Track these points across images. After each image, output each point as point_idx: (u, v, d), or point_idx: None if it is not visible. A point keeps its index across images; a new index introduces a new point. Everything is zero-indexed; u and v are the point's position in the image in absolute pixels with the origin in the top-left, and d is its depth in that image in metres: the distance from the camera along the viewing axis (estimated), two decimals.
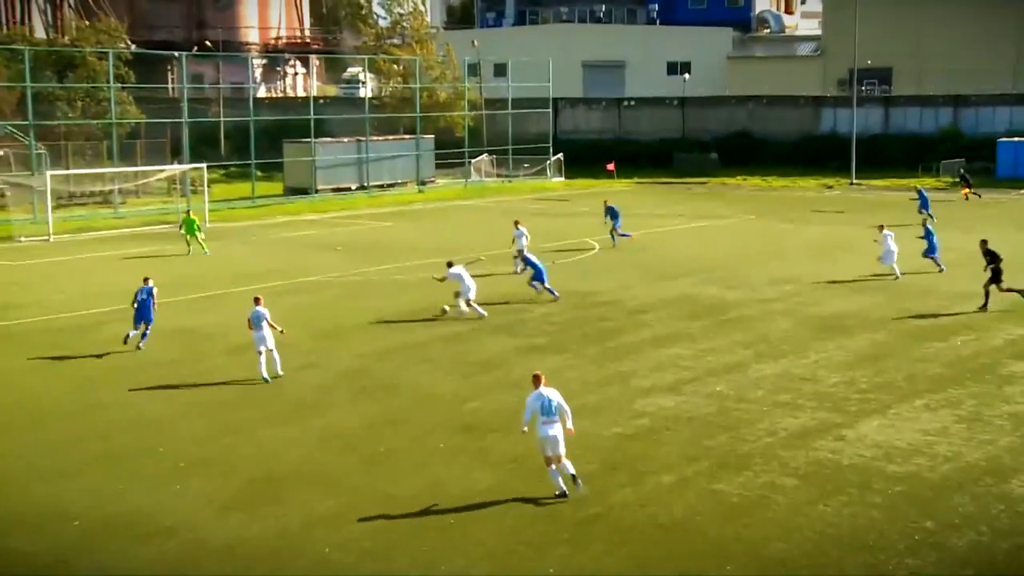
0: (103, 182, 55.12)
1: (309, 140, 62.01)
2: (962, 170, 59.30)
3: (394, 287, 29.60)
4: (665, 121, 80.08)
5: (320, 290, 31.52)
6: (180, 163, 56.34)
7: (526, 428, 15.21)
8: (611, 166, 69.03)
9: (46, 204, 45.71)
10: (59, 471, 16.63)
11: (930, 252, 32.64)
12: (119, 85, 58.31)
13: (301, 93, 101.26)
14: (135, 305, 24.60)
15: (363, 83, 79.24)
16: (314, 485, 15.73)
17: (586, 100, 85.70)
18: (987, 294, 26.92)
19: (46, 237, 44.14)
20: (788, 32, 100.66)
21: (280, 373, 21.65)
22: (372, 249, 39.50)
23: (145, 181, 56.93)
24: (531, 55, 77.26)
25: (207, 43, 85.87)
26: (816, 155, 72.65)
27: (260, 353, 21.59)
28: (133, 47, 71.89)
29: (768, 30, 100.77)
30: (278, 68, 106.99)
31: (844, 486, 15.37)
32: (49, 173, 47.96)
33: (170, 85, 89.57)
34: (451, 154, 69.87)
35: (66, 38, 71.50)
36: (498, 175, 71.67)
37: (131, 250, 40.85)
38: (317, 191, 60.93)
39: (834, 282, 31.54)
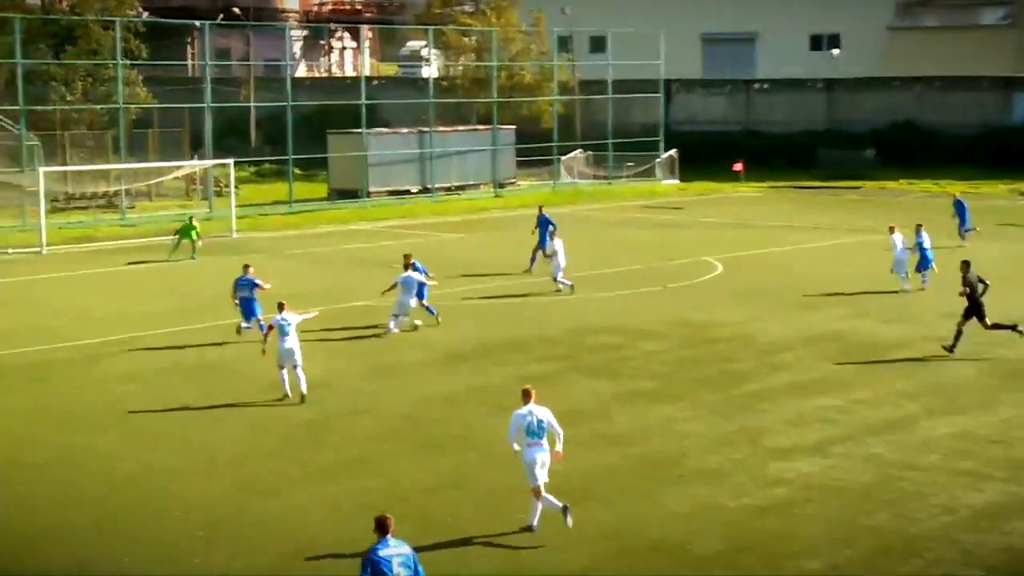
0: (107, 181, 56.33)
1: (360, 131, 62.71)
2: None
3: (464, 316, 29.69)
4: (807, 109, 79.51)
5: (371, 318, 31.68)
6: (201, 158, 57.33)
7: (516, 447, 16.66)
8: (738, 166, 68.68)
9: (39, 208, 46.37)
10: (44, 537, 16.83)
11: (924, 265, 35.05)
12: (128, 62, 59.40)
13: (350, 73, 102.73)
14: (236, 301, 28.42)
15: (426, 60, 79.92)
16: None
17: (706, 82, 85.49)
18: (959, 333, 26.73)
19: (38, 248, 45.09)
20: None
21: (304, 392, 23.07)
22: (437, 267, 39.61)
23: (159, 180, 57.98)
24: (637, 26, 77.27)
25: (235, 11, 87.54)
26: (1004, 153, 71.43)
27: (282, 368, 23.15)
28: (145, 15, 73.49)
29: None
30: (322, 42, 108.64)
31: None
32: (42, 170, 48.61)
33: (190, 62, 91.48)
34: (536, 149, 70.11)
35: (64, 4, 73.35)
36: (595, 176, 71.74)
37: (140, 263, 41.60)
38: (369, 194, 61.59)
39: None
